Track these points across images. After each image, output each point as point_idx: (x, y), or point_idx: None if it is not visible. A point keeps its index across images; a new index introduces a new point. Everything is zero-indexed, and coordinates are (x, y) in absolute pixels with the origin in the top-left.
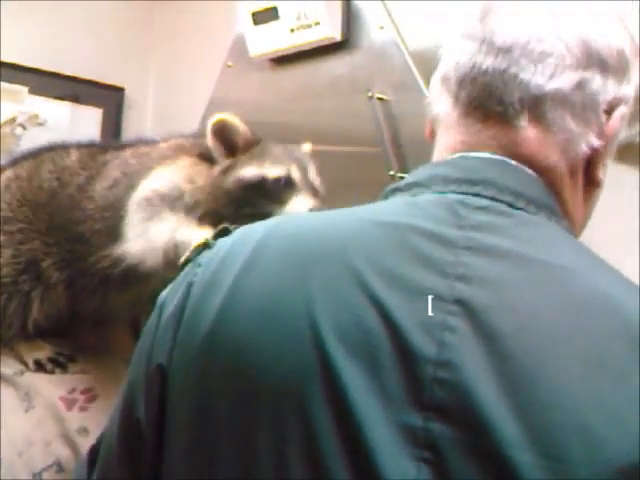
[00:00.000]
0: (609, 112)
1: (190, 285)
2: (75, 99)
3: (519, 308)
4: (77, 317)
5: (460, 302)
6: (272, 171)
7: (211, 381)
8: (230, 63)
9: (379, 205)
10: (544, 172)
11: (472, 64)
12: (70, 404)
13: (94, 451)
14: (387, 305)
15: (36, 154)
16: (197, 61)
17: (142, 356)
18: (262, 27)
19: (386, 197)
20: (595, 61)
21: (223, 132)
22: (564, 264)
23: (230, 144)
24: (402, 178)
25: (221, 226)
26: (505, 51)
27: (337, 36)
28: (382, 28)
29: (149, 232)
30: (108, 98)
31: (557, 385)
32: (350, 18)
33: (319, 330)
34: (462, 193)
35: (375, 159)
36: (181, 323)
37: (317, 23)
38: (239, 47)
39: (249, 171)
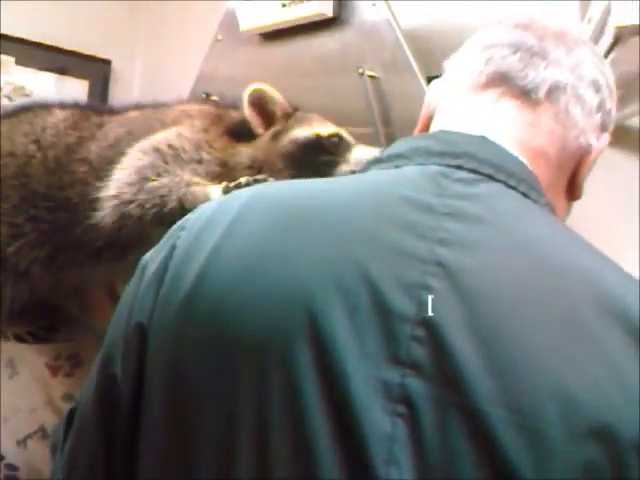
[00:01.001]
0: (602, 129)
1: (173, 247)
2: (61, 71)
3: (496, 271)
4: (59, 288)
5: (440, 264)
6: (324, 129)
7: (190, 341)
8: (220, 37)
9: (361, 175)
10: (533, 155)
11: (504, 42)
12: (55, 370)
13: (71, 413)
14: (367, 265)
15: (10, 115)
16: (184, 35)
17: (122, 315)
18: (253, 1)
19: (368, 168)
20: (606, 76)
21: (260, 102)
22: (540, 234)
23: (267, 114)
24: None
25: (237, 181)
26: (540, 37)
27: (329, 12)
28: (374, 5)
29: (147, 184)
30: (94, 70)
31: (532, 345)
32: None
33: (303, 286)
34: (444, 165)
35: (365, 137)
36: (163, 284)
37: None
38: (229, 21)
39: (303, 131)
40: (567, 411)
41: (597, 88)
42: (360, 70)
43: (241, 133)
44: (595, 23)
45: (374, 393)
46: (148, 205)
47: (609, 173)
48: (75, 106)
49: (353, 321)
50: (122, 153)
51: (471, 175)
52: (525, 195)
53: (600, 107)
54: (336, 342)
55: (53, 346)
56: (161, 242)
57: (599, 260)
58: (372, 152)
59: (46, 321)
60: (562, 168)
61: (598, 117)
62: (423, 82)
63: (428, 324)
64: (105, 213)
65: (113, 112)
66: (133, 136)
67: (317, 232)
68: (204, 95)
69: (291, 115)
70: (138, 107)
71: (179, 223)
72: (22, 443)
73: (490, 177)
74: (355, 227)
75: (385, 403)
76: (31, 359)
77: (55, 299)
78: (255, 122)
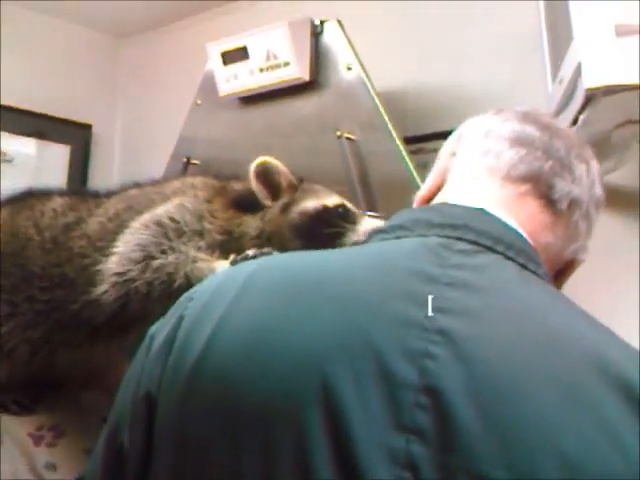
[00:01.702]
0: None
1: (181, 318)
2: (42, 136)
3: (496, 338)
4: (49, 370)
5: (441, 332)
6: (330, 201)
7: (197, 409)
8: (199, 101)
9: (363, 246)
10: (537, 247)
11: (538, 145)
12: (38, 440)
13: None
14: (371, 333)
15: (15, 200)
16: (165, 98)
17: (129, 385)
18: (232, 66)
19: (370, 239)
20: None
21: (266, 175)
22: (540, 302)
23: (273, 186)
24: (370, 217)
25: (244, 254)
26: (568, 149)
27: (306, 76)
28: (350, 69)
29: (153, 263)
30: (76, 135)
31: (533, 410)
32: (319, 58)
33: (311, 354)
34: (444, 237)
35: (343, 195)
36: (171, 354)
37: (286, 63)
38: (208, 85)
39: (311, 203)
40: (567, 475)
41: (597, 206)
42: (338, 133)
43: (246, 204)
44: (566, 83)
45: (380, 458)
46: (156, 282)
47: None
48: (73, 192)
49: (359, 387)
50: (123, 225)
51: (471, 246)
52: (524, 266)
53: (595, 223)
54: (344, 408)
55: (36, 417)
56: (169, 313)
57: (598, 328)
58: (379, 223)
59: (31, 391)
60: (551, 269)
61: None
62: (399, 142)
63: (431, 391)
64: (106, 289)
65: (111, 194)
66: (134, 210)
67: (322, 301)
68: (185, 159)
69: (297, 187)
70: (137, 186)
71: (187, 294)
72: None
73: (489, 248)
74: (359, 296)
75: (391, 468)
76: (15, 429)
77: (44, 377)
78: (262, 194)
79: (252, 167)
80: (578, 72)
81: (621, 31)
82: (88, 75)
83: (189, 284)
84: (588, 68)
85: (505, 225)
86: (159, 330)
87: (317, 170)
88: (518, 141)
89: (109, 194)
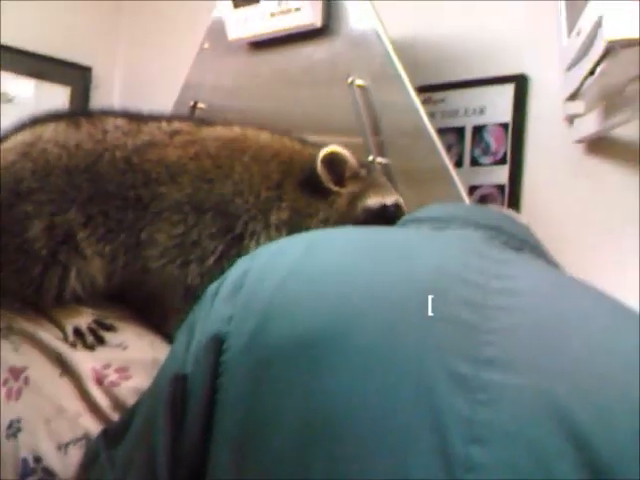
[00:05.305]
0: None
1: (247, 270)
2: (42, 77)
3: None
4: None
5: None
6: (389, 199)
7: (275, 338)
8: (206, 45)
9: (412, 230)
10: None
11: None
12: (101, 378)
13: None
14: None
15: (64, 116)
16: (166, 41)
17: (190, 330)
18: (242, 10)
19: (403, 223)
20: None
21: (333, 163)
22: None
23: (337, 173)
24: (380, 164)
25: None
26: None
27: (317, 22)
28: (363, 16)
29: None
30: (76, 77)
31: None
32: (331, 5)
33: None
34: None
35: (354, 146)
36: (239, 295)
37: (298, 9)
38: (216, 30)
39: (374, 200)
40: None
41: None
42: (349, 80)
43: (312, 186)
44: (585, 35)
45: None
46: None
47: (593, 182)
48: (124, 113)
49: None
50: (205, 175)
51: (502, 246)
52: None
53: None
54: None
55: (106, 352)
56: (227, 274)
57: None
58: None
59: (105, 317)
60: None
61: None
62: (411, 91)
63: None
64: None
65: (182, 118)
66: (214, 160)
67: (392, 261)
68: (192, 102)
69: (362, 176)
70: (210, 124)
71: (243, 258)
72: (63, 448)
73: (517, 249)
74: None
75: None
76: (80, 360)
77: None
78: (325, 178)
79: (320, 155)
80: (598, 24)
81: None
82: (91, 17)
83: None
84: (609, 21)
85: (526, 227)
86: (221, 284)
87: (327, 118)
88: None
89: (181, 118)
